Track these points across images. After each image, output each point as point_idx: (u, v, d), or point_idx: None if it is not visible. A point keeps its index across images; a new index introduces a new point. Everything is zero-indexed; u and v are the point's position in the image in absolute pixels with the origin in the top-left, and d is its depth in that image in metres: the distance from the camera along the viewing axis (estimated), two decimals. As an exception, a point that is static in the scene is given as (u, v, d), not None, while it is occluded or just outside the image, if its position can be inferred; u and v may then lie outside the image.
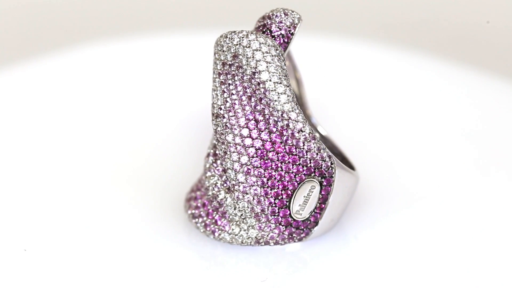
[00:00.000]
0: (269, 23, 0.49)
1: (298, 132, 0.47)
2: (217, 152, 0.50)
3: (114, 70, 0.66)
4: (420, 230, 0.52)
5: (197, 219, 0.51)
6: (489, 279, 0.48)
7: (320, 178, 0.48)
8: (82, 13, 0.73)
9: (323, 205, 0.49)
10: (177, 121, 0.61)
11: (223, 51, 0.48)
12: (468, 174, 0.55)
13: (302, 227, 0.49)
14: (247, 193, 0.48)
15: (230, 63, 0.48)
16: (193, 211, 0.51)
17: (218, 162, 0.50)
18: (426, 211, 0.53)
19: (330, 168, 0.48)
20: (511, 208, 0.53)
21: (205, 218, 0.50)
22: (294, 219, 0.49)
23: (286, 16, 0.49)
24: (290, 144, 0.48)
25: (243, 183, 0.48)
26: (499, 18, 0.67)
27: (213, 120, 0.49)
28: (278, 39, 0.49)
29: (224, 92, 0.48)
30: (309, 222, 0.49)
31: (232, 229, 0.49)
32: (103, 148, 0.58)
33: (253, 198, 0.48)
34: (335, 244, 0.51)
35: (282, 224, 0.49)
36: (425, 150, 0.58)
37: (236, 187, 0.48)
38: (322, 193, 0.49)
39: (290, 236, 0.49)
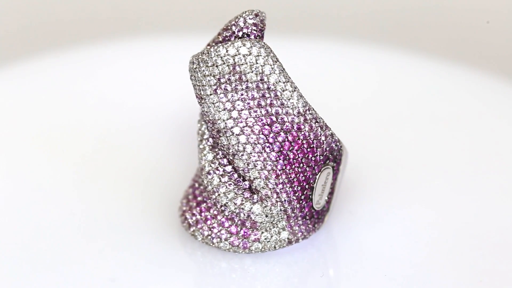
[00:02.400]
0: (243, 26, 0.48)
1: (315, 123, 0.48)
2: (212, 166, 0.49)
3: (113, 71, 0.64)
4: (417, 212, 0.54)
5: (218, 239, 0.49)
6: (485, 258, 0.51)
7: (333, 163, 0.50)
8: (79, 13, 0.70)
9: (332, 189, 0.51)
10: (176, 124, 0.59)
11: (217, 65, 0.47)
12: (463, 165, 0.57)
13: (320, 216, 0.51)
14: (279, 198, 0.48)
15: (228, 76, 0.47)
16: (210, 232, 0.50)
17: (226, 177, 0.49)
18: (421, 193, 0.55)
19: (341, 151, 0.50)
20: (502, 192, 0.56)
21: (228, 235, 0.49)
22: (315, 210, 0.50)
23: (257, 17, 0.49)
24: (308, 138, 0.48)
25: (275, 188, 0.48)
26: (499, 18, 0.68)
27: (220, 136, 0.48)
28: None
29: (227, 106, 0.47)
30: (323, 209, 0.51)
31: (265, 237, 0.49)
32: (100, 149, 0.57)
33: (285, 200, 0.48)
34: (342, 228, 0.53)
35: (307, 217, 0.50)
36: (420, 142, 0.59)
37: (269, 193, 0.48)
38: (333, 178, 0.50)
39: (313, 227, 0.50)
